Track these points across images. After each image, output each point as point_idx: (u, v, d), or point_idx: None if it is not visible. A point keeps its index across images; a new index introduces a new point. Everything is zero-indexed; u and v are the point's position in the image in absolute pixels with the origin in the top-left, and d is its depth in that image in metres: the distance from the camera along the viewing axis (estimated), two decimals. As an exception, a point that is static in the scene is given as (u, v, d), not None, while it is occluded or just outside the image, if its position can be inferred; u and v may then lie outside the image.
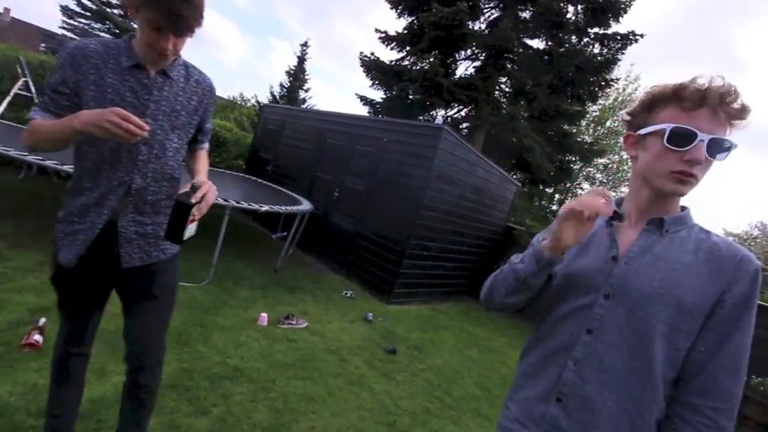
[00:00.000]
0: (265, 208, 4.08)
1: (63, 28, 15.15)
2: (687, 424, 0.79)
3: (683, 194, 0.84)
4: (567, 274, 0.95)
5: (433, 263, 5.54)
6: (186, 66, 1.32)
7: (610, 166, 16.51)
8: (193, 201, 1.12)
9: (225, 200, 3.72)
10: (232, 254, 4.69)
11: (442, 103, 10.24)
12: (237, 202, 3.86)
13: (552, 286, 0.99)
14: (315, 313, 3.85)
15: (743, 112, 0.79)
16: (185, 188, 1.15)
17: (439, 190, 5.07)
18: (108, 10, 13.82)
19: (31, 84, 6.46)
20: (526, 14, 10.17)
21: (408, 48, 10.88)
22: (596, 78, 9.99)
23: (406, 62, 11.14)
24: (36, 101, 6.30)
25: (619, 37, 9.67)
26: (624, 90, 15.88)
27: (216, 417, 2.07)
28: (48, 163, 3.20)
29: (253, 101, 19.10)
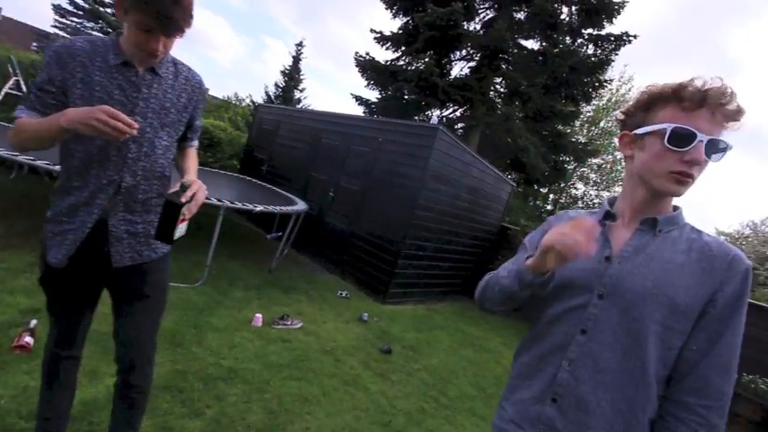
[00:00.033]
0: (260, 208, 4.06)
1: (55, 27, 15.02)
2: (680, 422, 0.80)
3: (679, 195, 0.84)
4: (561, 275, 0.95)
5: (429, 263, 5.55)
6: (175, 62, 1.30)
7: (603, 166, 16.60)
8: (183, 200, 1.11)
9: (219, 200, 3.70)
10: (226, 254, 4.67)
11: (437, 104, 10.25)
12: (232, 203, 3.84)
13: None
14: (310, 313, 3.84)
15: (738, 114, 0.79)
16: (175, 187, 1.14)
17: (434, 190, 5.07)
18: (101, 9, 13.71)
19: (22, 83, 6.41)
20: (521, 15, 10.22)
21: (403, 48, 10.88)
22: (590, 79, 10.05)
23: (402, 62, 11.14)
24: (26, 100, 6.25)
25: (612, 38, 9.74)
26: (618, 91, 15.98)
27: (210, 418, 2.06)
28: (39, 163, 3.17)
29: (247, 101, 19.02)
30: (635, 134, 0.88)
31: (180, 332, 2.76)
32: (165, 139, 1.28)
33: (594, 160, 15.73)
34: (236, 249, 5.08)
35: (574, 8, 9.77)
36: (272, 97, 17.67)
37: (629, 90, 15.88)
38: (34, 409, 1.49)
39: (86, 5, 13.71)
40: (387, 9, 10.90)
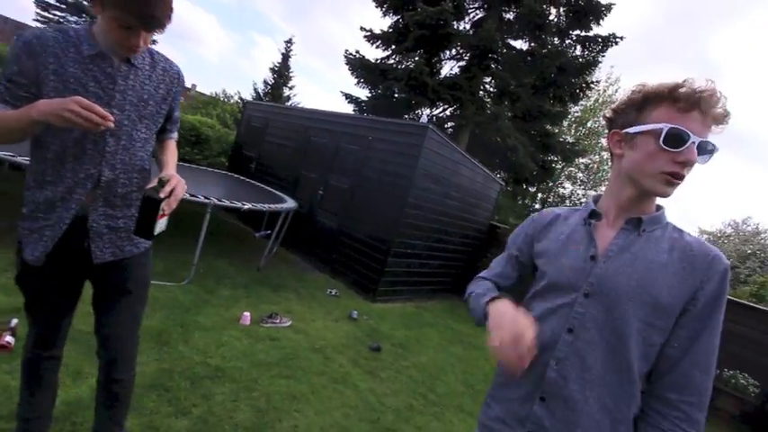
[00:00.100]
0: (248, 206, 4.03)
1: (37, 20, 14.67)
2: (663, 418, 0.81)
3: (667, 196, 0.84)
4: (548, 276, 0.96)
5: (418, 261, 5.56)
6: (151, 53, 1.27)
7: (591, 165, 16.86)
8: (162, 195, 1.09)
9: (206, 198, 3.66)
10: (214, 252, 4.62)
11: (427, 103, 10.28)
12: (219, 200, 3.80)
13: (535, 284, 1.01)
14: (299, 312, 3.83)
15: (726, 118, 0.80)
16: (153, 183, 1.12)
17: (424, 188, 5.09)
18: (85, 3, 13.43)
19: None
20: (510, 15, 10.30)
21: (394, 46, 10.89)
22: (578, 80, 10.19)
23: (392, 61, 11.15)
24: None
25: (600, 39, 9.88)
26: (605, 91, 16.24)
27: (197, 417, 2.04)
28: (19, 159, 3.09)
29: (236, 98, 18.82)
30: (626, 133, 0.88)
31: (166, 331, 2.72)
32: (143, 131, 1.26)
33: (582, 160, 15.98)
34: (224, 248, 5.03)
35: (562, 9, 9.89)
36: (261, 94, 17.52)
37: (616, 91, 16.16)
38: (15, 409, 1.45)
39: (70, -1, 13.43)
40: (377, 7, 10.89)
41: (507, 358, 0.82)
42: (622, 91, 0.94)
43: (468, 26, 10.79)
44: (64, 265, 1.25)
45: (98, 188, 1.20)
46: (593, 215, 0.95)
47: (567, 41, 10.31)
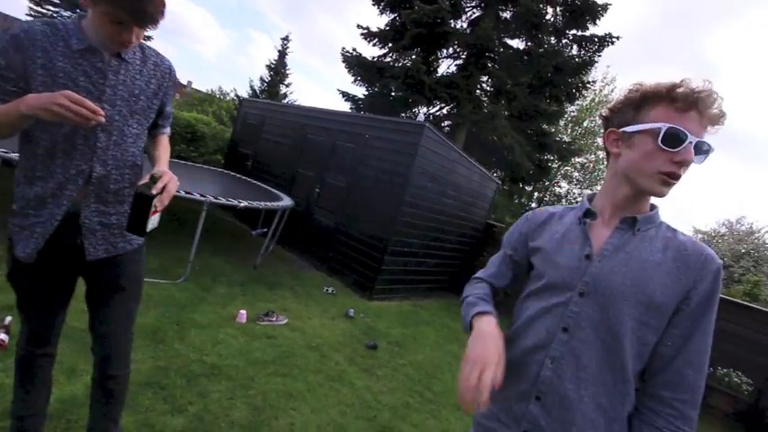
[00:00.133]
0: (244, 204, 4.02)
1: (30, 15, 14.53)
2: (657, 415, 0.82)
3: (663, 196, 0.84)
4: (543, 275, 0.96)
5: (415, 259, 5.57)
6: (142, 47, 1.25)
7: (586, 164, 16.93)
8: (154, 192, 1.08)
9: (202, 195, 3.64)
10: (210, 250, 4.60)
11: (423, 101, 10.28)
12: (215, 198, 3.78)
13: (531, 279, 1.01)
14: (295, 310, 3.82)
15: (722, 118, 0.81)
16: (144, 179, 1.11)
17: (420, 187, 5.09)
18: (79, -2, 13.34)
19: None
20: (507, 14, 10.31)
21: (390, 44, 10.88)
22: (574, 79, 10.22)
23: (389, 59, 11.14)
24: None
25: (596, 39, 9.91)
26: (601, 91, 16.30)
27: (192, 415, 2.03)
28: (12, 155, 3.06)
29: (232, 95, 18.75)
30: (623, 132, 0.88)
31: (162, 329, 2.71)
32: (135, 127, 1.25)
33: (578, 159, 16.04)
34: (220, 245, 5.01)
35: (558, 9, 9.91)
36: (258, 92, 17.46)
37: (612, 91, 16.23)
38: (9, 406, 1.44)
39: (64, -6, 13.31)
40: (374, 5, 10.87)
41: (465, 386, 0.82)
42: (618, 91, 0.94)
43: (465, 25, 10.79)
44: (56, 261, 1.24)
45: (89, 184, 1.19)
46: (588, 214, 0.95)
47: (564, 41, 10.34)
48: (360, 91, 11.51)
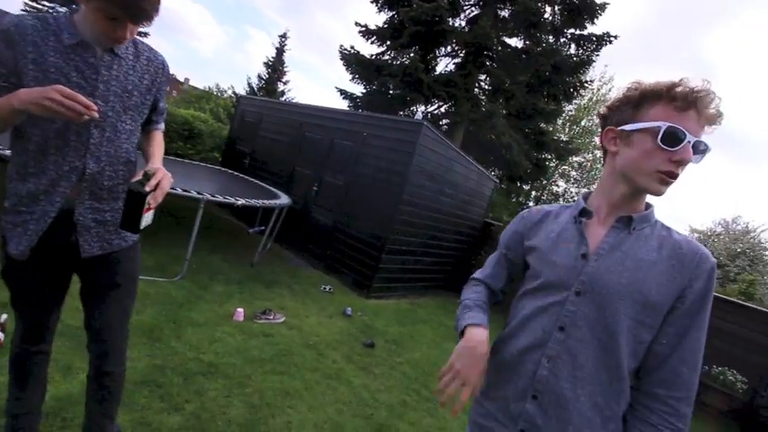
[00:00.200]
0: (242, 201, 4.00)
1: (25, 11, 14.42)
2: (651, 412, 0.83)
3: (661, 194, 0.85)
4: (540, 274, 0.96)
5: (413, 257, 5.57)
6: (135, 42, 1.24)
7: (584, 164, 16.97)
8: (147, 189, 1.08)
9: (199, 193, 3.63)
10: (207, 248, 4.59)
11: (421, 99, 10.27)
12: (213, 196, 3.77)
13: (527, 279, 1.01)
14: (292, 308, 3.82)
15: (719, 118, 0.81)
16: (138, 176, 1.10)
17: (418, 185, 5.09)
18: (75, -7, 13.24)
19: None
20: (505, 13, 10.31)
21: (389, 42, 10.85)
22: (572, 78, 10.23)
23: (387, 57, 11.12)
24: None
25: (594, 38, 9.92)
26: (599, 90, 16.34)
27: (189, 413, 2.02)
28: (7, 152, 3.04)
29: (229, 92, 18.68)
30: (622, 130, 0.87)
31: (158, 327, 2.70)
32: (128, 123, 1.24)
33: (575, 158, 16.09)
34: (218, 243, 5.00)
35: (557, 7, 9.91)
36: (255, 89, 17.40)
37: (610, 90, 16.27)
38: (3, 405, 1.44)
39: (60, -11, 13.22)
40: (372, 3, 10.84)
41: (442, 389, 0.91)
42: (616, 90, 0.94)
43: (463, 23, 10.78)
44: (50, 259, 1.23)
45: (83, 181, 1.18)
46: (584, 213, 0.95)
47: (562, 40, 10.34)
48: (358, 89, 11.50)
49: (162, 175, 1.13)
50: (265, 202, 4.47)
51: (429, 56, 10.76)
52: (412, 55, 10.30)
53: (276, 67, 17.51)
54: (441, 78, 10.05)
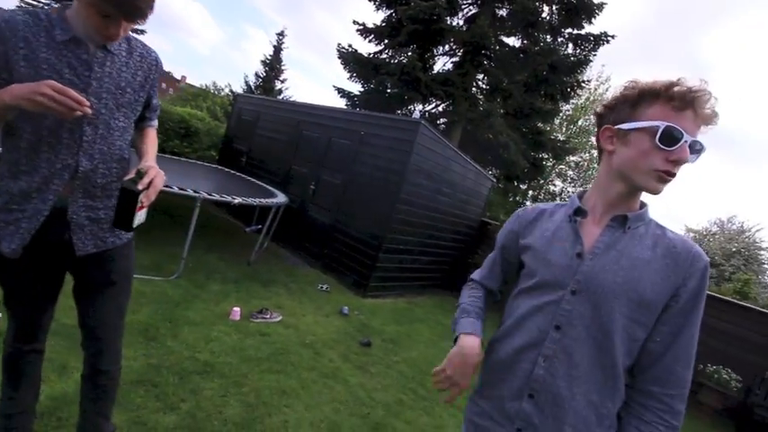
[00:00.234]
0: (238, 200, 3.99)
1: (21, 8, 14.32)
2: (646, 409, 0.84)
3: (658, 193, 0.85)
4: (535, 273, 0.96)
5: (410, 257, 5.57)
6: (128, 38, 1.23)
7: (581, 163, 17.02)
8: (140, 187, 1.07)
9: (196, 191, 3.62)
10: (203, 247, 4.57)
11: (419, 98, 10.27)
12: (209, 194, 3.76)
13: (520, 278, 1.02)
14: (289, 307, 3.81)
15: (714, 118, 0.81)
16: (130, 174, 1.10)
17: (416, 184, 5.09)
18: (71, -10, 13.15)
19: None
20: (503, 12, 10.31)
21: (386, 41, 10.84)
22: (569, 78, 10.25)
23: (385, 55, 11.10)
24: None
25: (591, 37, 9.94)
26: (596, 90, 16.37)
27: (185, 412, 2.02)
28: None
29: (226, 90, 18.62)
30: (619, 129, 0.87)
31: (154, 326, 2.69)
32: (121, 120, 1.23)
33: (572, 158, 16.12)
34: (214, 242, 4.99)
35: (554, 7, 9.92)
36: (252, 87, 17.35)
37: (607, 90, 16.31)
38: (-3, 405, 1.42)
39: (56, -14, 13.12)
40: (370, 1, 10.81)
41: (435, 384, 1.00)
42: (613, 89, 0.94)
43: (461, 22, 10.78)
44: (43, 257, 1.22)
45: (76, 179, 1.17)
46: (579, 212, 0.95)
47: (560, 39, 10.36)
48: (356, 87, 11.51)
49: (155, 174, 1.12)
50: (262, 200, 4.46)
51: (427, 55, 10.76)
52: (410, 54, 10.30)
53: (274, 66, 17.46)
54: (438, 77, 10.04)
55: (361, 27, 10.84)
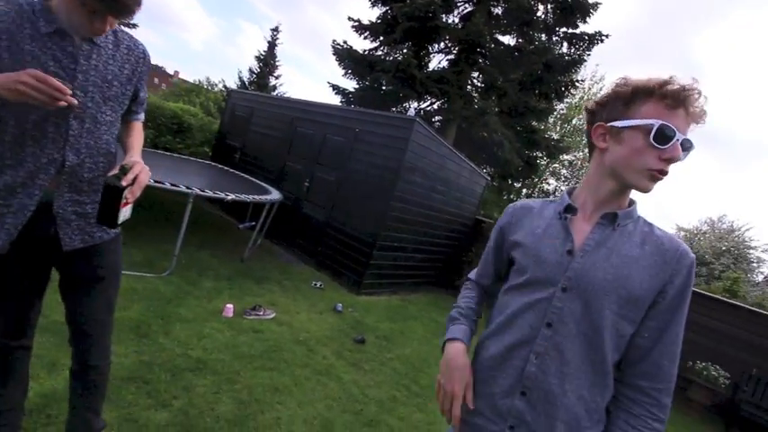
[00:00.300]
0: (232, 197, 3.96)
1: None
2: (635, 403, 0.85)
3: (649, 191, 0.86)
4: (526, 270, 0.96)
5: (404, 254, 5.58)
6: (114, 31, 1.21)
7: (574, 162, 17.12)
8: (124, 183, 1.06)
9: (188, 187, 3.58)
10: (196, 243, 4.54)
11: (414, 95, 10.25)
12: (202, 190, 3.73)
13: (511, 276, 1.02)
14: (283, 304, 3.80)
15: (704, 116, 0.82)
16: (114, 170, 1.08)
17: (410, 182, 5.09)
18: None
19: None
20: (498, 10, 10.31)
21: (382, 38, 10.80)
22: (563, 77, 10.29)
23: (380, 52, 11.07)
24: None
25: (586, 37, 9.98)
26: (590, 89, 16.47)
27: (177, 409, 2.01)
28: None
29: (220, 86, 18.47)
30: (612, 126, 0.87)
31: (145, 323, 2.67)
32: (108, 114, 1.21)
33: (566, 156, 16.21)
34: (207, 238, 4.95)
35: (550, 6, 9.94)
36: (246, 83, 17.21)
37: (601, 89, 16.40)
38: (-15, 402, 1.40)
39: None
40: (365, -3, 10.76)
41: (442, 406, 0.98)
42: (608, 83, 0.94)
43: (456, 20, 10.77)
44: (30, 252, 1.20)
45: (62, 173, 1.15)
46: (569, 209, 0.95)
47: (554, 38, 10.39)
48: (350, 84, 11.45)
49: (139, 169, 1.11)
50: (256, 197, 4.44)
51: (422, 52, 10.74)
52: (405, 51, 10.27)
53: (268, 62, 17.34)
54: (433, 75, 10.03)
55: (357, 23, 10.80)
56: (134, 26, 14.66)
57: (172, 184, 3.46)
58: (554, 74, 10.02)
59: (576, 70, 10.45)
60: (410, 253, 5.71)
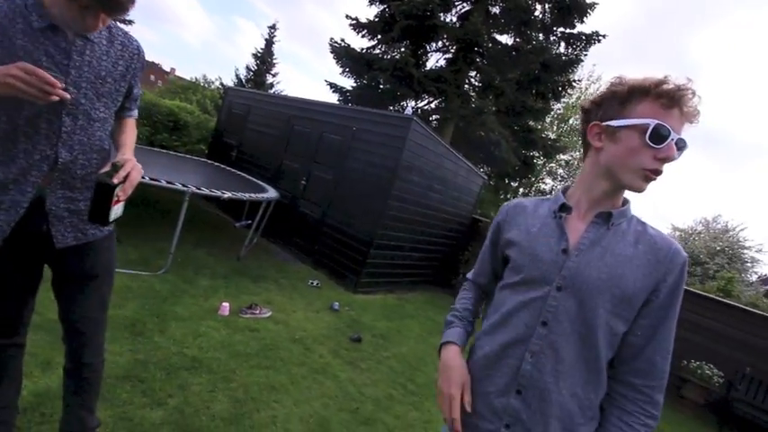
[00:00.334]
0: (228, 195, 3.95)
1: None
2: (628, 400, 0.87)
3: (642, 191, 0.86)
4: (521, 269, 0.96)
5: (401, 253, 5.58)
6: (109, 27, 1.20)
7: (571, 162, 17.17)
8: (116, 181, 1.05)
9: (184, 185, 3.57)
10: (192, 242, 4.52)
11: (412, 94, 10.24)
12: (198, 188, 3.71)
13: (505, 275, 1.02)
14: (279, 303, 3.79)
15: (697, 116, 0.82)
16: (106, 167, 1.07)
17: (407, 180, 5.09)
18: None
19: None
20: (496, 10, 10.31)
21: (379, 36, 10.77)
22: (560, 77, 10.31)
23: (377, 51, 11.04)
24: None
25: (583, 37, 9.99)
26: (587, 89, 16.51)
27: (172, 408, 2.00)
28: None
29: (217, 83, 18.40)
30: (608, 126, 0.87)
31: (141, 321, 2.66)
32: (101, 110, 1.20)
33: (563, 156, 16.26)
34: (203, 237, 4.93)
35: (547, 6, 9.95)
36: (243, 81, 17.16)
37: (598, 89, 16.42)
38: (-22, 400, 1.39)
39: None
40: (363, -5, 10.73)
41: (444, 412, 0.97)
42: (604, 82, 0.94)
43: (454, 18, 10.75)
44: (22, 249, 1.19)
45: (55, 170, 1.14)
46: (564, 208, 0.95)
47: (552, 38, 10.40)
48: (348, 83, 11.45)
49: (131, 167, 1.10)
50: (252, 195, 4.42)
51: (420, 51, 10.73)
52: (403, 49, 10.26)
53: (265, 59, 17.29)
54: (431, 74, 10.02)
55: (354, 22, 10.77)
56: (130, 23, 14.56)
57: (168, 182, 3.45)
58: (551, 73, 10.04)
59: (573, 70, 10.46)
60: (407, 252, 5.72)
